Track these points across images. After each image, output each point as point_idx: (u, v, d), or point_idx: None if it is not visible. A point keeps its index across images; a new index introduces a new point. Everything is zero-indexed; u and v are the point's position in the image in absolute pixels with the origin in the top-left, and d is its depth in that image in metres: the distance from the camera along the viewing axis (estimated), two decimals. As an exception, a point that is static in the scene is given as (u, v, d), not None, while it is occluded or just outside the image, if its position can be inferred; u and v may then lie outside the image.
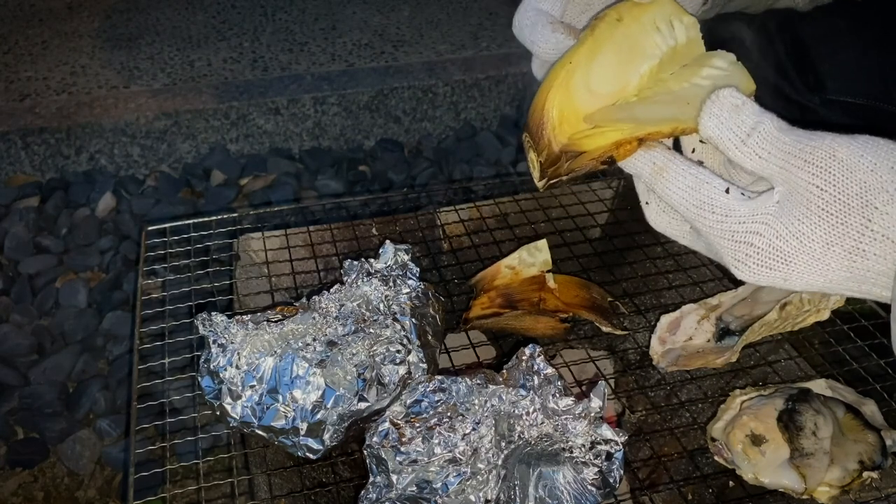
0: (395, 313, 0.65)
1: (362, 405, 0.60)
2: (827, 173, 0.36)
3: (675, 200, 0.41)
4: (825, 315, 0.72)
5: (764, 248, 0.38)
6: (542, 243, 0.80)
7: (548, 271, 0.79)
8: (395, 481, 0.53)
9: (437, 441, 0.53)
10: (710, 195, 0.40)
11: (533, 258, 0.80)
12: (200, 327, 0.62)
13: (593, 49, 0.45)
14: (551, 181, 0.46)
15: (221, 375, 0.60)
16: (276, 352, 0.60)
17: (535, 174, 0.46)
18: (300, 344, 0.61)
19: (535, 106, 0.46)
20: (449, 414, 0.55)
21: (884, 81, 0.79)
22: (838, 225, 0.36)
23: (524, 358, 0.60)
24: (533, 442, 0.56)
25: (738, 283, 0.78)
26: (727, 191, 0.39)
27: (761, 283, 0.40)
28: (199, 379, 0.62)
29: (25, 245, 1.55)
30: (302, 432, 0.60)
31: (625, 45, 0.46)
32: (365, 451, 0.56)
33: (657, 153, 0.42)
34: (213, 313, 0.63)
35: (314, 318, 0.64)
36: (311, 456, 0.61)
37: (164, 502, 0.86)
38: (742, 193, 0.39)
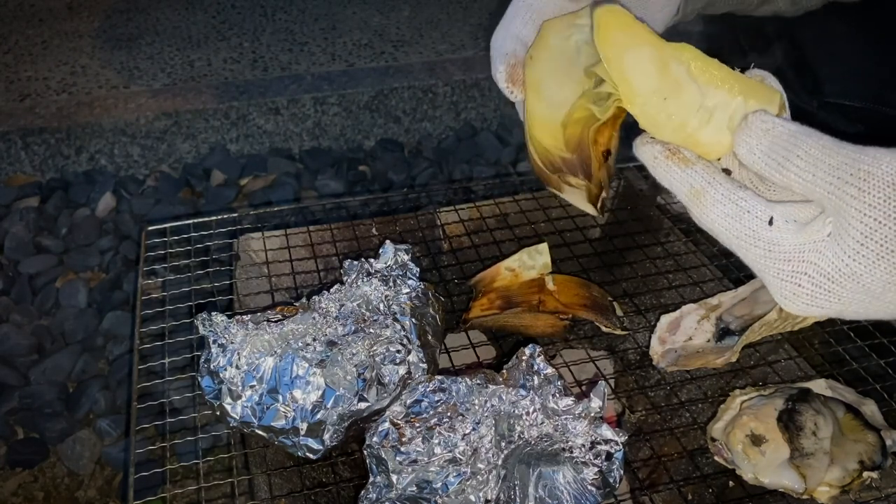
0: (395, 313, 0.65)
1: (362, 405, 0.60)
2: (887, 206, 0.34)
3: (713, 228, 0.39)
4: (825, 315, 0.72)
5: (811, 290, 0.36)
6: (543, 246, 0.80)
7: (548, 273, 0.79)
8: (395, 481, 0.53)
9: (437, 441, 0.53)
10: (753, 227, 0.37)
11: (533, 261, 0.80)
12: (200, 327, 0.62)
13: (533, 80, 0.50)
14: (599, 200, 0.50)
15: (221, 375, 0.60)
16: (276, 352, 0.60)
17: (589, 208, 0.51)
18: (300, 344, 0.61)
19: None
20: (449, 414, 0.55)
21: (881, 85, 0.79)
22: None
23: (524, 358, 0.60)
24: (533, 442, 0.56)
25: (738, 284, 0.78)
26: (770, 222, 0.37)
27: (811, 315, 0.38)
28: (199, 379, 0.62)
29: (25, 245, 1.55)
30: (302, 432, 0.60)
31: (554, 62, 0.48)
32: (365, 451, 0.56)
33: (696, 173, 0.39)
34: (213, 313, 0.63)
35: (314, 318, 0.64)
36: (311, 456, 0.60)
37: (164, 502, 0.86)
38: (786, 221, 0.37)
